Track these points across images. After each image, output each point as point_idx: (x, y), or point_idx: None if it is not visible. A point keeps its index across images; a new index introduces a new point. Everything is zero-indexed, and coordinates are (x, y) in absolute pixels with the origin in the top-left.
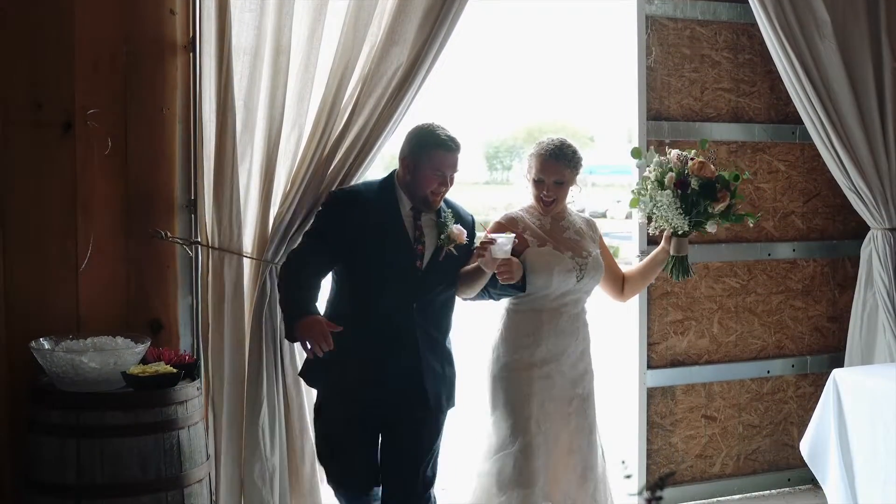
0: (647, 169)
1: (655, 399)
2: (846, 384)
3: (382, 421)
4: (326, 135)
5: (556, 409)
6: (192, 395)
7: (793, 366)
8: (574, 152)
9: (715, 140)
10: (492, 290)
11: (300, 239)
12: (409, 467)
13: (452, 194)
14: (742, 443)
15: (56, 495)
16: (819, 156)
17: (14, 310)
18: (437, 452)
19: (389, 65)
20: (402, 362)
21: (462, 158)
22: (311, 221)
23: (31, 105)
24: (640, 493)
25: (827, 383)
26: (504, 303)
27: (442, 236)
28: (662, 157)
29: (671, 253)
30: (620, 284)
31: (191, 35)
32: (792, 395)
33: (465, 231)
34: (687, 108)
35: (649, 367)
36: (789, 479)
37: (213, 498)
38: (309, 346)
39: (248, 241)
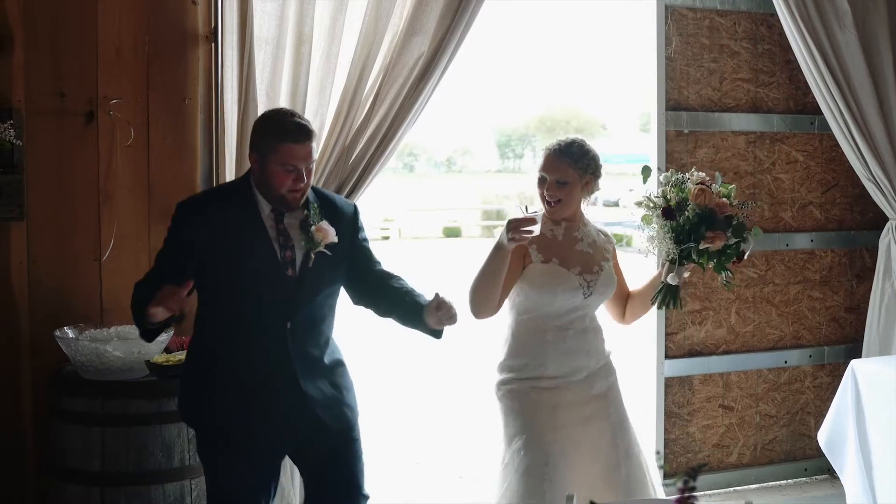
0: (659, 186)
1: (673, 389)
2: (864, 374)
3: (281, 462)
4: (348, 125)
5: (571, 416)
6: None
7: (810, 356)
8: (584, 153)
9: (734, 130)
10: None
11: None
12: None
13: (462, 182)
14: (759, 432)
15: (81, 482)
16: (837, 146)
17: (38, 299)
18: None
19: (411, 55)
20: (281, 397)
21: (315, 147)
22: None
23: (54, 95)
24: (672, 484)
25: (845, 374)
26: (508, 319)
27: (303, 242)
28: (677, 176)
29: (661, 279)
30: (624, 305)
31: (212, 25)
32: (809, 386)
33: (331, 229)
34: (706, 98)
35: (667, 356)
36: (806, 469)
37: None
38: (163, 312)
39: None
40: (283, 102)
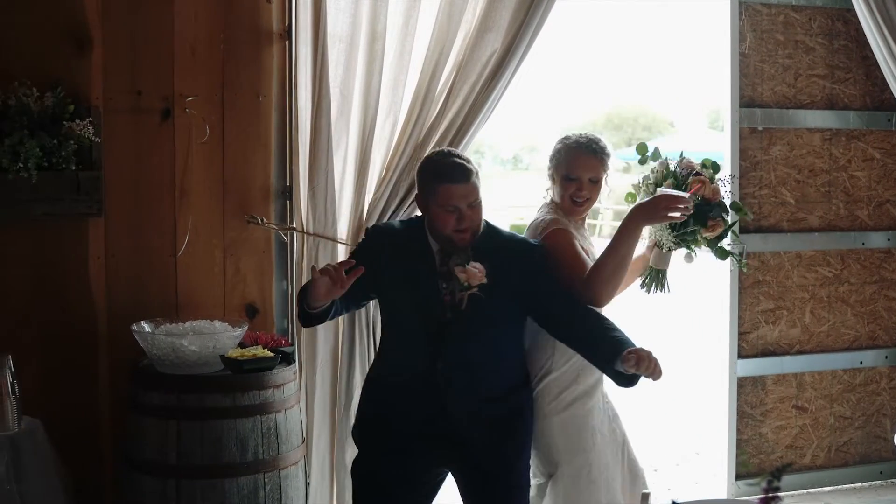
0: (651, 168)
1: (746, 389)
2: None
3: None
4: (421, 121)
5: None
6: (289, 379)
7: (886, 357)
8: (605, 147)
9: (809, 127)
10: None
11: None
12: None
13: (529, 180)
14: (833, 434)
15: (157, 475)
16: None
17: (115, 293)
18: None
19: (483, 51)
20: (432, 437)
21: (477, 183)
22: None
23: (131, 93)
24: (756, 483)
25: None
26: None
27: (444, 285)
28: (669, 160)
29: (650, 264)
30: None
31: (287, 23)
32: (885, 387)
33: (478, 272)
34: (780, 94)
35: (740, 356)
36: (881, 472)
37: (307, 481)
38: (323, 278)
39: (343, 227)
40: (356, 100)
